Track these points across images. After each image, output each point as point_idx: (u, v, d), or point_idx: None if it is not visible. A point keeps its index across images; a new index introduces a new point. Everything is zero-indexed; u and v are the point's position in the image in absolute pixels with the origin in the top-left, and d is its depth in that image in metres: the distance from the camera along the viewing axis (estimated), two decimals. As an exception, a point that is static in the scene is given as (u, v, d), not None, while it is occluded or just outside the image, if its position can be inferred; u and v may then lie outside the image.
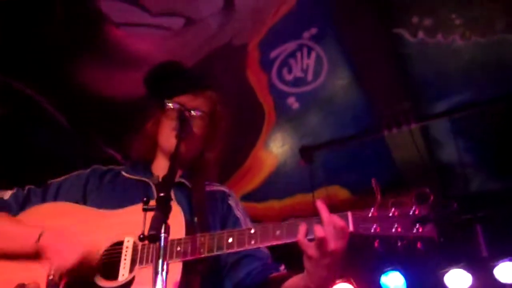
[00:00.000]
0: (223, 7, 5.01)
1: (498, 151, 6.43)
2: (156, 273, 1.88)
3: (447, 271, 6.20)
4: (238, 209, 2.82)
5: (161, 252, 1.91)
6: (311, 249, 2.16)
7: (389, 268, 6.47)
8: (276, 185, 6.92)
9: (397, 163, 6.48)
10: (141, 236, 2.02)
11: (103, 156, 6.05)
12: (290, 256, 2.42)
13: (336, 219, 2.14)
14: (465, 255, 6.17)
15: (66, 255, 2.30)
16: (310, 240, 2.17)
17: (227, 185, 3.04)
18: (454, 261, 6.18)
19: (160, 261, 1.90)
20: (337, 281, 6.40)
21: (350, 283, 6.47)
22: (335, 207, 2.23)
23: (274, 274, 2.54)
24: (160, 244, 1.92)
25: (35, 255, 2.40)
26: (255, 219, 7.30)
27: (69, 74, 5.44)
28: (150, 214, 2.01)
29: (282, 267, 2.62)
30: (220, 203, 2.81)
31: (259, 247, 2.51)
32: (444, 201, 2.13)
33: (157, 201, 2.05)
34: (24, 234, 2.45)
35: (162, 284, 1.87)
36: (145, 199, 2.14)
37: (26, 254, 2.41)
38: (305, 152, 6.35)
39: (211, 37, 5.26)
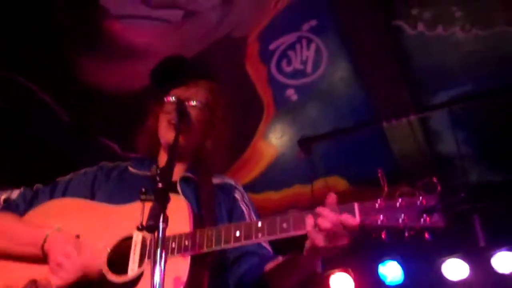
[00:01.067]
0: (223, -1, 5.03)
1: (497, 143, 6.44)
2: (154, 263, 1.90)
3: (444, 261, 6.23)
4: (244, 202, 2.81)
5: (159, 242, 1.93)
6: (319, 241, 2.15)
7: (386, 258, 6.51)
8: (275, 176, 6.93)
9: (396, 154, 6.49)
10: (140, 226, 2.04)
11: (101, 148, 6.07)
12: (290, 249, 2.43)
13: (346, 219, 2.12)
14: (462, 245, 6.19)
15: (64, 272, 2.33)
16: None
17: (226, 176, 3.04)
18: (451, 251, 6.21)
19: (158, 251, 1.91)
20: (335, 271, 6.45)
21: (348, 272, 6.51)
22: (334, 198, 2.23)
23: (270, 265, 2.51)
24: (158, 234, 1.93)
25: (43, 259, 2.42)
26: (253, 210, 7.27)
27: (68, 66, 5.44)
28: (149, 205, 2.01)
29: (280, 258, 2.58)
30: (227, 196, 2.80)
31: (262, 245, 2.59)
32: (451, 190, 2.12)
33: (155, 192, 2.05)
34: (30, 239, 2.46)
35: (160, 274, 1.88)
36: (143, 189, 2.17)
37: (34, 258, 2.44)
38: (304, 143, 6.36)
39: (211, 29, 5.26)
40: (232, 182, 2.91)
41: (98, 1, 4.93)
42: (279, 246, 2.57)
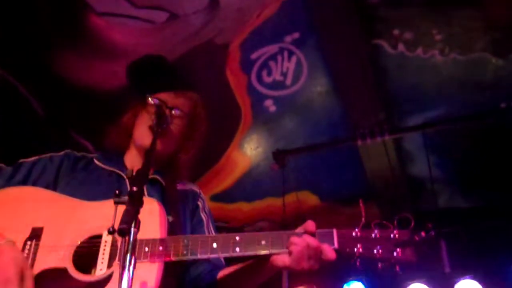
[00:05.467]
0: (208, 5, 4.98)
1: (467, 169, 6.50)
2: (123, 269, 1.86)
3: (409, 285, 6.25)
4: (204, 211, 2.84)
5: (130, 247, 1.89)
6: (283, 261, 2.23)
7: (352, 278, 6.51)
8: (247, 187, 6.90)
9: (368, 173, 6.50)
10: (111, 229, 2.00)
11: (75, 145, 5.93)
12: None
13: (311, 240, 2.21)
14: (427, 269, 6.22)
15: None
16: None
17: (198, 184, 3.05)
18: (417, 275, 6.24)
19: (128, 256, 1.88)
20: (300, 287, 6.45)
21: (313, 290, 6.51)
22: (304, 213, 2.27)
23: (224, 271, 2.57)
24: (129, 239, 1.90)
25: None
26: (224, 220, 7.30)
27: (47, 60, 5.34)
28: (122, 208, 1.99)
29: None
30: (190, 202, 2.82)
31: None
32: (423, 228, 2.20)
33: (129, 195, 2.02)
34: None
35: (128, 280, 1.84)
36: (117, 192, 2.13)
37: None
38: (278, 156, 6.35)
39: (194, 33, 5.22)
40: (196, 189, 2.93)
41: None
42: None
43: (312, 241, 2.19)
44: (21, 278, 2.21)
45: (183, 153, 2.89)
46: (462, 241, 6.31)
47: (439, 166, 6.47)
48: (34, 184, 2.67)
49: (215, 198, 6.78)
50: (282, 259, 2.25)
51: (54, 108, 5.79)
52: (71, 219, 2.45)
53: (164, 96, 2.81)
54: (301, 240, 2.20)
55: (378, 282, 6.43)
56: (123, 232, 1.88)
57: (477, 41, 5.27)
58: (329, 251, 2.19)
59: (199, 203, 2.85)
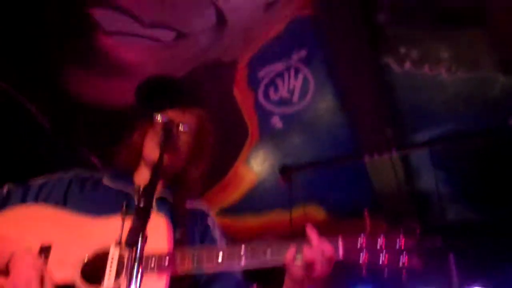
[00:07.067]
0: (216, 23, 5.03)
1: (475, 184, 6.50)
2: (130, 280, 1.89)
3: (417, 295, 6.24)
4: (215, 230, 2.84)
5: (137, 257, 1.93)
6: (297, 271, 2.21)
7: (360, 286, 6.50)
8: (254, 202, 6.92)
9: (375, 189, 6.51)
10: (118, 241, 2.03)
11: (83, 162, 5.99)
12: (261, 276, 2.43)
13: (326, 246, 2.21)
14: (435, 281, 6.21)
15: None
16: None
17: (205, 199, 3.05)
18: (425, 284, 6.22)
19: (135, 270, 1.91)
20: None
21: (320, 297, 6.47)
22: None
23: None
24: (136, 251, 1.93)
25: (4, 272, 2.37)
26: (230, 235, 7.28)
27: (56, 78, 5.41)
28: (129, 221, 2.02)
29: (254, 287, 2.65)
30: (199, 222, 2.82)
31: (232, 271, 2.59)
32: (429, 236, 2.21)
33: (136, 210, 2.05)
34: None
35: (135, 291, 1.87)
36: (124, 206, 2.16)
37: None
38: (285, 172, 6.37)
39: (201, 51, 5.27)
40: (204, 209, 2.93)
41: (92, 15, 4.92)
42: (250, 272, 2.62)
43: (309, 253, 2.19)
44: (41, 282, 2.27)
45: (192, 169, 2.90)
46: (470, 254, 6.31)
47: (447, 182, 6.47)
48: None
49: (221, 213, 6.81)
50: (286, 277, 2.28)
51: (62, 124, 5.84)
52: (78, 236, 2.48)
53: (171, 113, 2.82)
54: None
55: (387, 291, 6.42)
56: (130, 243, 1.93)
57: (484, 58, 5.26)
58: (325, 247, 2.19)
59: (209, 223, 2.85)
